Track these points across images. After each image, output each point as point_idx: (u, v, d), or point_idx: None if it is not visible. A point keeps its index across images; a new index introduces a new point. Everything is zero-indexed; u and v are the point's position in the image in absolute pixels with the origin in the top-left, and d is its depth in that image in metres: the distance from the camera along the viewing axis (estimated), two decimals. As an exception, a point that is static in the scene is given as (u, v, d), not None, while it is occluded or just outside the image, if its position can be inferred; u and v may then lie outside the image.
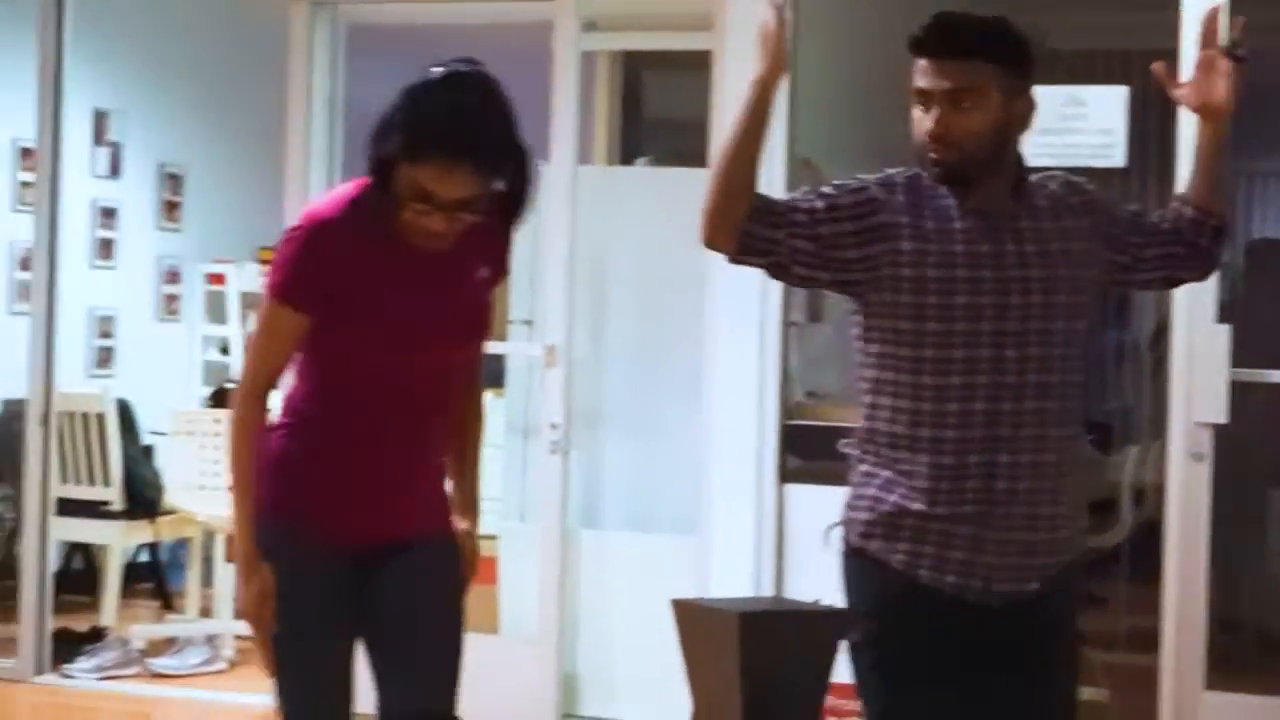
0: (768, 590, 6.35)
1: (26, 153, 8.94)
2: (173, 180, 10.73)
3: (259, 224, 9.55)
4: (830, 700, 5.48)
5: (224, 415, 8.20)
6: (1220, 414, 5.92)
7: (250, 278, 10.47)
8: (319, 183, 7.06)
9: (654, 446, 7.16)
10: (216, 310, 10.71)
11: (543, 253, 6.73)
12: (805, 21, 5.90)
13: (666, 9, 7.53)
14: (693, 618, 5.65)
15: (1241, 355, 5.93)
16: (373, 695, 3.75)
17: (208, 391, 10.17)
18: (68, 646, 7.67)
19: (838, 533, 3.60)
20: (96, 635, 7.86)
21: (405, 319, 3.61)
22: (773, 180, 5.89)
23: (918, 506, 3.43)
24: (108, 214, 10.25)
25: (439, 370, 3.69)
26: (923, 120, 3.42)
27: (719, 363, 6.53)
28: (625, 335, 7.23)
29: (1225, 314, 6.02)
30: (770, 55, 3.39)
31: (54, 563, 7.86)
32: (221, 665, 7.82)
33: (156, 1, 9.63)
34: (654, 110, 8.62)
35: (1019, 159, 3.51)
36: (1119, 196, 3.82)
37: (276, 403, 3.75)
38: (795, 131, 6.38)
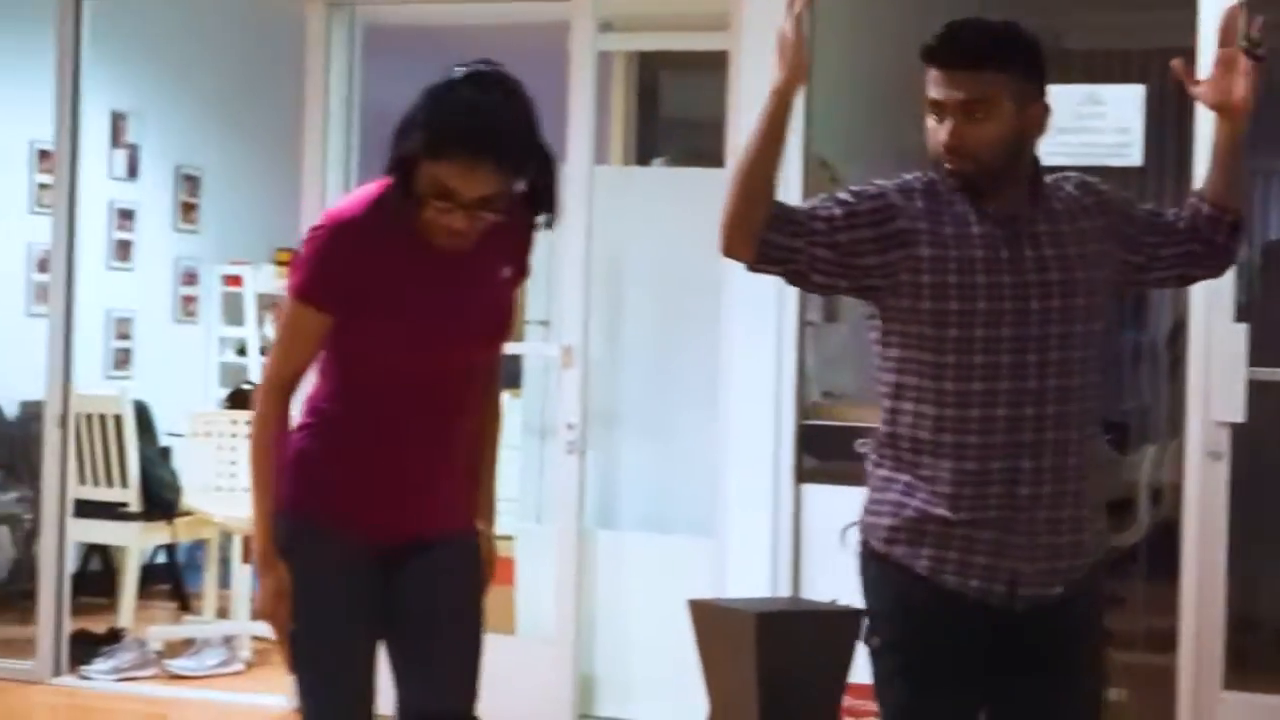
0: (784, 590, 6.35)
1: (44, 155, 8.96)
2: (190, 182, 10.75)
3: (276, 225, 9.58)
4: (848, 700, 5.48)
5: (241, 416, 8.31)
6: (1238, 413, 5.91)
7: (267, 279, 10.50)
8: (336, 184, 7.07)
9: (670, 447, 7.16)
10: (233, 312, 10.74)
11: (559, 253, 6.72)
12: (822, 21, 5.89)
13: (683, 9, 7.53)
14: (709, 618, 5.65)
15: (1259, 354, 5.92)
16: (392, 694, 3.76)
17: (225, 393, 10.21)
18: (85, 648, 7.69)
19: (855, 533, 3.59)
20: (114, 636, 7.87)
21: (427, 318, 3.61)
22: (788, 181, 5.88)
23: (941, 512, 3.42)
24: (125, 216, 10.28)
25: (461, 370, 3.70)
26: (937, 131, 3.42)
27: (735, 363, 6.53)
28: (641, 335, 7.23)
29: (1243, 313, 6.02)
30: (789, 64, 3.38)
31: (72, 564, 7.88)
32: (239, 666, 7.84)
33: (173, 3, 9.64)
34: (670, 110, 8.62)
35: (1035, 162, 3.50)
36: (1135, 195, 3.80)
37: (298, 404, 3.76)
38: (811, 132, 6.38)
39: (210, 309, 10.84)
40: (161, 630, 8.15)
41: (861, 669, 3.69)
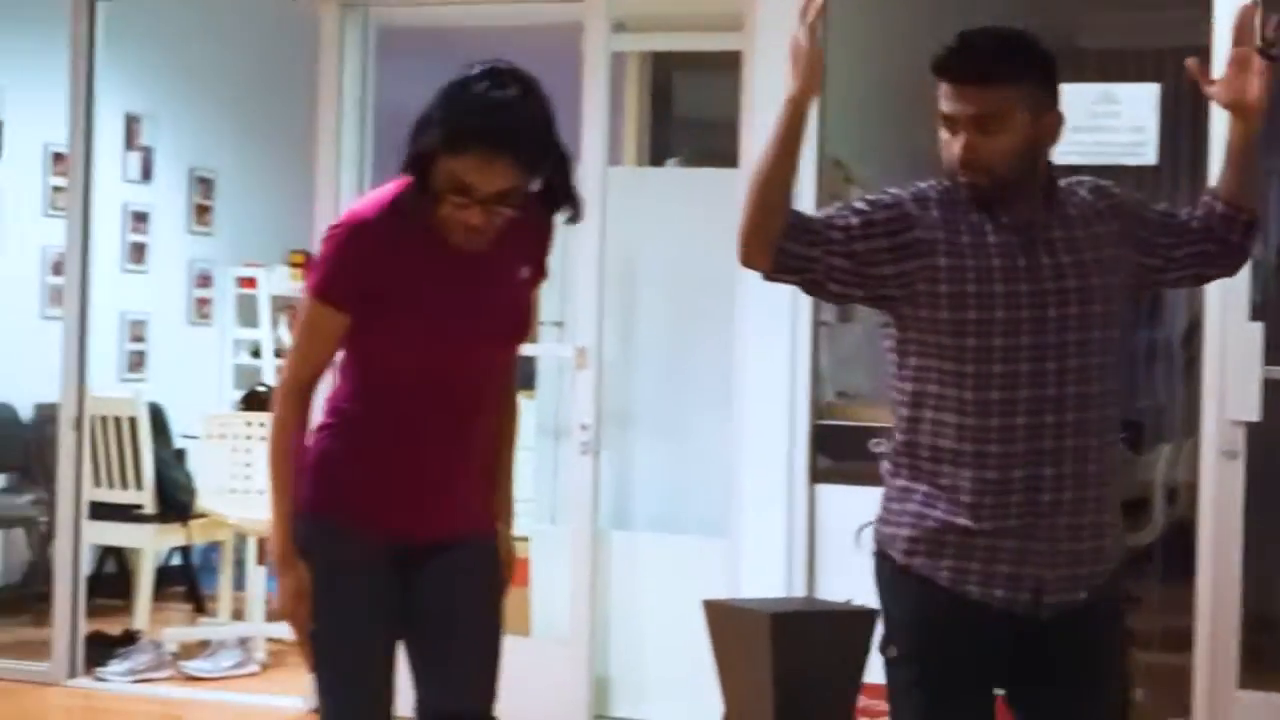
0: (799, 591, 6.34)
1: (58, 157, 8.98)
2: (204, 184, 10.77)
3: (290, 227, 9.58)
4: (863, 700, 5.48)
5: (256, 418, 8.32)
6: (1253, 411, 5.90)
7: (281, 281, 10.51)
8: (350, 185, 7.07)
9: (685, 447, 7.16)
10: (248, 314, 10.75)
11: (573, 254, 6.72)
12: (835, 22, 5.88)
13: (696, 9, 7.52)
14: (724, 618, 5.65)
15: (1275, 353, 5.91)
16: (411, 695, 3.76)
17: (239, 395, 10.21)
18: (101, 650, 7.70)
19: (869, 534, 3.58)
20: (129, 638, 7.88)
21: (444, 317, 3.62)
22: (803, 181, 5.87)
23: (963, 521, 3.41)
24: (139, 218, 10.30)
25: (479, 370, 3.70)
26: (951, 144, 3.40)
27: (749, 363, 6.52)
28: (655, 336, 7.22)
29: (1258, 312, 6.01)
30: (803, 75, 3.36)
31: (87, 566, 7.89)
32: (254, 668, 7.84)
33: (187, 5, 9.66)
34: (684, 111, 8.61)
35: (1049, 169, 3.49)
36: (1150, 195, 3.80)
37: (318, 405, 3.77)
38: (825, 132, 6.37)
39: (224, 311, 10.86)
40: (177, 632, 8.16)
41: (877, 669, 3.67)
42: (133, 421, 8.47)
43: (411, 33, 7.60)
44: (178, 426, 9.48)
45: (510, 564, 3.89)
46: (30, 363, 8.72)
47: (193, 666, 7.74)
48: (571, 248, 6.72)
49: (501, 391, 3.81)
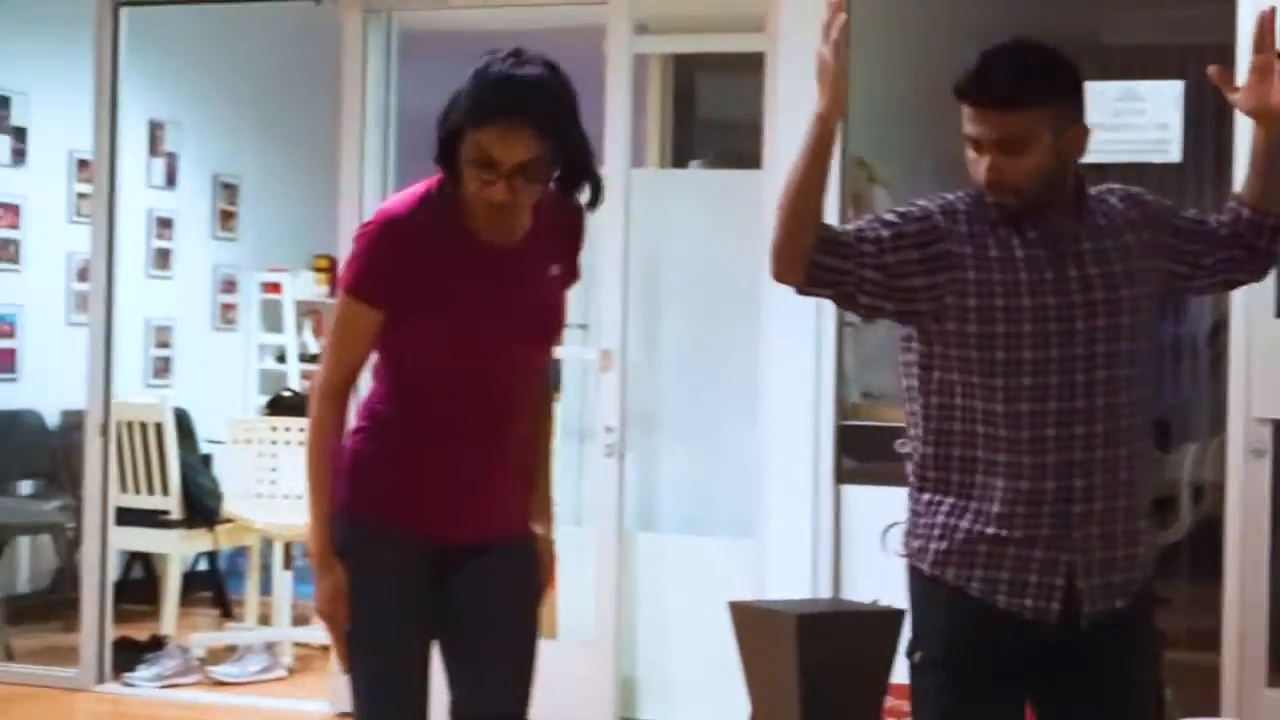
0: (825, 592, 6.33)
1: (83, 164, 9.00)
2: (228, 190, 10.79)
3: (314, 232, 9.61)
4: (890, 701, 5.47)
5: (281, 423, 8.33)
6: (1280, 409, 5.88)
7: (306, 286, 10.54)
8: (373, 190, 7.08)
9: (709, 448, 7.15)
10: (272, 319, 10.77)
11: (597, 256, 6.73)
12: (860, 21, 5.87)
13: (718, 11, 7.52)
14: (750, 620, 5.64)
15: (1301, 351, 5.89)
16: (445, 696, 3.77)
17: (264, 400, 10.22)
18: (128, 655, 7.72)
19: (896, 536, 3.58)
20: (157, 644, 7.90)
21: (476, 315, 3.63)
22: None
23: (992, 531, 3.42)
24: (164, 224, 10.31)
25: (513, 370, 3.71)
26: (977, 164, 3.40)
27: (774, 364, 6.52)
28: (680, 337, 7.22)
29: (1284, 310, 5.98)
30: (829, 92, 3.36)
31: (114, 572, 7.91)
32: (281, 673, 7.85)
33: (210, 12, 9.67)
34: (707, 112, 8.61)
35: (1078, 179, 3.49)
36: (1174, 192, 3.79)
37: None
38: (848, 131, 6.36)
39: (249, 316, 10.88)
40: (204, 637, 8.18)
41: (904, 671, 3.67)
42: (159, 427, 8.49)
43: (434, 37, 7.60)
44: (203, 432, 9.50)
45: (551, 567, 3.89)
46: (56, 369, 8.75)
47: (220, 671, 7.75)
48: (595, 250, 6.72)
49: (536, 392, 3.82)
